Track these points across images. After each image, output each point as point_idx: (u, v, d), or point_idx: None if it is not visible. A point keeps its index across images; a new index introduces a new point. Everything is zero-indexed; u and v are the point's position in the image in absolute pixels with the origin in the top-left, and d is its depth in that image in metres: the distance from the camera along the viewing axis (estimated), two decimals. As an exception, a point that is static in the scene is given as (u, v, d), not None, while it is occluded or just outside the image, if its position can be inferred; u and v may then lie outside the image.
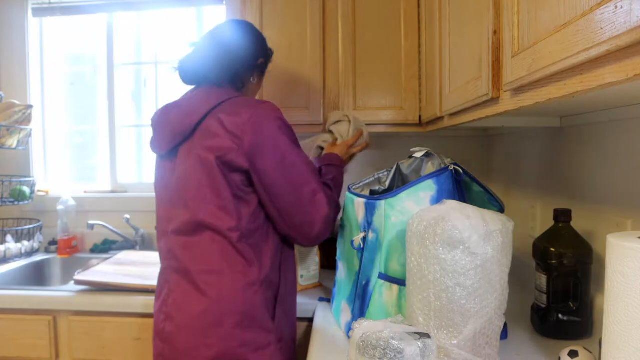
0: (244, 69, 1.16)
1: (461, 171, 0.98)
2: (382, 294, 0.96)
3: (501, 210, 0.99)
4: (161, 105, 2.17)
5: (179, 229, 1.06)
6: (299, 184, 1.03)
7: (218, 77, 1.11)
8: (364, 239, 1.02)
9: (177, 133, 1.06)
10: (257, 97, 1.60)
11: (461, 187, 1.01)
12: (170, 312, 1.04)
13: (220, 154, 1.00)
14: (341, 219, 1.18)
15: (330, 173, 1.22)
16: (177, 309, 1.03)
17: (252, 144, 1.00)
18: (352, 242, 1.05)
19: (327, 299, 1.31)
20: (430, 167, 1.05)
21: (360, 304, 1.01)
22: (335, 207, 1.12)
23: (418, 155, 1.08)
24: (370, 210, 1.00)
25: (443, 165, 1.00)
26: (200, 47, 1.15)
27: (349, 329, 1.04)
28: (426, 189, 0.95)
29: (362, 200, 1.04)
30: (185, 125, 1.05)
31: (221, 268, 1.02)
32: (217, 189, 1.01)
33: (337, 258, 1.20)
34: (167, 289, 1.07)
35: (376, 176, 1.17)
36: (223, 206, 1.02)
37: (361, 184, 1.17)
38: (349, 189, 1.15)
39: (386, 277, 0.96)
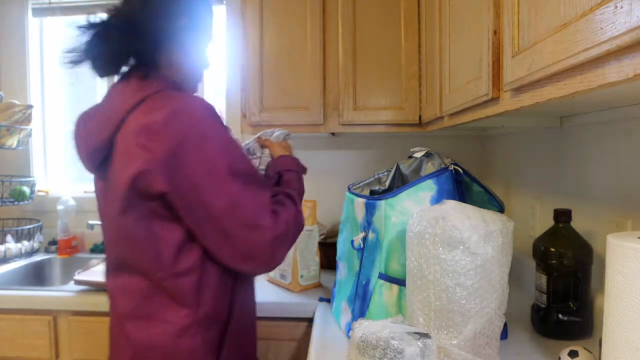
0: (157, 42, 0.88)
1: (461, 171, 0.98)
2: (382, 294, 0.96)
3: (501, 210, 0.99)
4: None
5: (109, 266, 0.92)
6: (236, 203, 0.80)
7: (122, 63, 0.88)
8: (364, 239, 1.02)
9: (92, 149, 0.86)
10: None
11: (461, 187, 1.01)
12: (110, 353, 0.94)
13: (130, 177, 0.78)
14: (341, 219, 1.18)
15: (292, 181, 1.02)
16: (111, 352, 0.93)
17: (167, 155, 0.76)
18: (352, 242, 1.05)
19: (327, 299, 1.31)
20: (430, 167, 1.05)
21: (360, 304, 1.01)
22: (297, 223, 0.91)
23: (418, 155, 1.08)
24: (370, 210, 1.00)
25: (443, 165, 1.00)
26: (101, 25, 0.87)
27: (349, 329, 1.04)
28: (426, 189, 0.95)
29: (362, 200, 1.04)
30: (99, 140, 0.84)
31: (148, 312, 0.85)
32: (130, 224, 0.83)
33: (337, 258, 1.20)
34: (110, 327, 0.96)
35: (376, 176, 1.17)
36: (140, 243, 0.83)
37: (361, 184, 1.17)
38: (349, 188, 1.15)
39: (386, 277, 0.96)
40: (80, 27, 0.87)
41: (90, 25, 0.86)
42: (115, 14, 0.88)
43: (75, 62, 0.88)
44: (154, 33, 0.87)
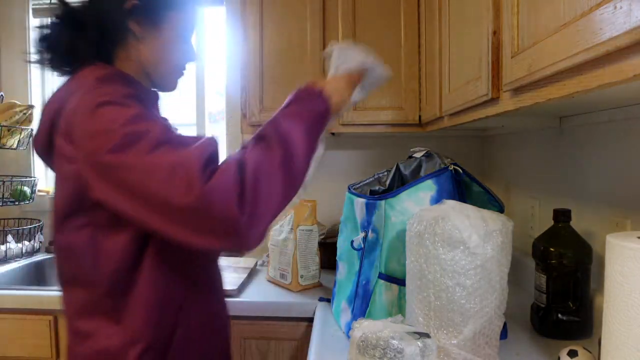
0: (105, 26, 0.79)
1: (461, 171, 0.98)
2: (382, 293, 0.96)
3: (501, 210, 0.99)
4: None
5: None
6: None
7: (78, 52, 0.79)
8: (364, 238, 1.02)
9: None
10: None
11: (461, 187, 1.01)
12: None
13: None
14: (341, 219, 1.18)
15: (285, 115, 0.74)
16: None
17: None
18: (351, 242, 1.05)
19: (327, 298, 1.31)
20: (430, 167, 1.05)
21: (360, 304, 1.01)
22: (243, 180, 0.64)
23: (418, 155, 1.08)
24: (370, 210, 1.00)
25: (443, 166, 1.00)
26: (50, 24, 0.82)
27: (348, 328, 1.04)
28: (426, 189, 0.95)
29: (362, 200, 1.04)
30: None
31: (80, 329, 0.77)
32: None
33: (337, 258, 1.20)
34: None
35: (376, 176, 1.17)
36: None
37: (361, 184, 1.17)
38: (349, 188, 1.15)
39: (386, 277, 0.96)
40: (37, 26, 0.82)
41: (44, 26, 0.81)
42: (61, 6, 0.81)
43: (40, 63, 0.82)
44: (97, 22, 0.78)
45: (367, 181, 1.17)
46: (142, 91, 0.82)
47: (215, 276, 0.88)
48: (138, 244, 0.73)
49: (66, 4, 0.81)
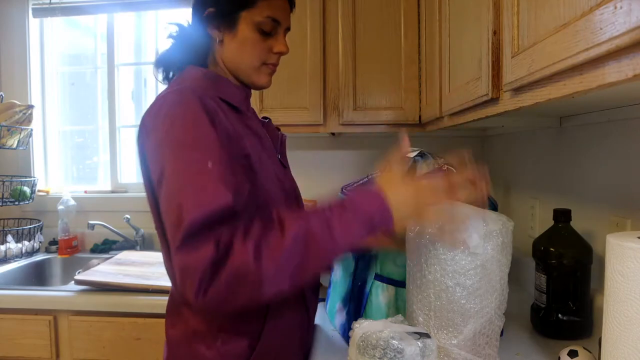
0: (192, 33, 0.88)
1: (454, 171, 0.97)
2: (379, 295, 0.96)
3: (494, 208, 0.99)
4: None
5: None
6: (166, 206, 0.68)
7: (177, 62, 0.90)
8: None
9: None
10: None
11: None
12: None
13: None
14: None
15: (331, 220, 0.67)
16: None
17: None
18: None
19: (322, 298, 1.30)
20: (424, 168, 1.05)
21: (356, 305, 1.00)
22: (239, 268, 0.62)
23: (411, 155, 1.07)
24: None
25: (437, 166, 1.00)
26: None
27: (343, 329, 1.04)
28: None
29: None
30: None
31: (173, 310, 0.86)
32: None
33: None
34: None
35: (370, 177, 1.16)
36: None
37: (355, 185, 1.16)
38: (342, 190, 1.15)
39: (382, 278, 0.96)
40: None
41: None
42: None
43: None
44: (191, 34, 0.89)
45: (361, 182, 1.17)
46: (228, 91, 0.85)
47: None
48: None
49: (179, 25, 0.90)
